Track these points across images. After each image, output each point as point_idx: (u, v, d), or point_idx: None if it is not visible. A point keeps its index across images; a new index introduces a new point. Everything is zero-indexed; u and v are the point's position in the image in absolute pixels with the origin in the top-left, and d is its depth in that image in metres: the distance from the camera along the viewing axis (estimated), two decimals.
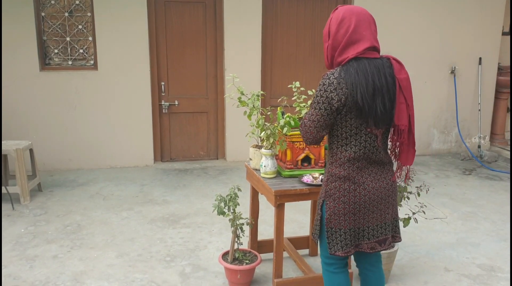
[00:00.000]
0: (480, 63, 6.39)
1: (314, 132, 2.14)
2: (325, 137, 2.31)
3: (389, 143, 2.21)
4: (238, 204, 2.94)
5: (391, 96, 2.05)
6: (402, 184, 2.97)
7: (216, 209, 2.89)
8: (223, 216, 2.90)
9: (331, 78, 2.03)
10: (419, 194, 3.03)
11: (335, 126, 2.11)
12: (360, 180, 2.11)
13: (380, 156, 2.14)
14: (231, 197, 2.91)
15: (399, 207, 3.00)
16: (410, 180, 2.39)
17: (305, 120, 2.17)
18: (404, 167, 2.26)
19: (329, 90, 2.03)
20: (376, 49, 2.08)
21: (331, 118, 2.08)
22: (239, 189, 2.95)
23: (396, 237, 2.31)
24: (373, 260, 2.36)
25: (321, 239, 2.27)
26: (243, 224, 3.00)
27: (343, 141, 2.11)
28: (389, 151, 2.23)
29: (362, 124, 2.06)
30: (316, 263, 3.32)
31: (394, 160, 2.27)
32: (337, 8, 2.14)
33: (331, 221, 2.17)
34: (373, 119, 2.04)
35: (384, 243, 2.22)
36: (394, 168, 2.27)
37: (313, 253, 3.44)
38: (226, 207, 2.92)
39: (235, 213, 2.96)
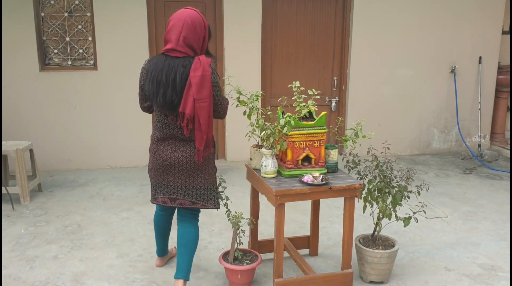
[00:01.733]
0: (480, 62, 6.39)
1: (139, 103, 2.76)
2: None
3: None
4: (228, 198, 3.05)
5: (177, 90, 2.50)
6: (403, 183, 2.97)
7: None
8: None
9: (145, 62, 2.65)
10: (419, 193, 3.03)
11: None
12: (159, 147, 2.68)
13: (174, 132, 2.64)
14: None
15: (399, 207, 3.02)
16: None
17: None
18: (199, 150, 2.62)
19: (141, 72, 2.65)
20: (179, 51, 2.50)
21: (146, 94, 2.65)
22: (223, 180, 3.11)
23: (197, 203, 2.73)
24: (180, 217, 2.83)
25: None
26: (243, 224, 3.01)
27: (155, 115, 2.69)
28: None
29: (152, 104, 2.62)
30: (316, 263, 3.32)
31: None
32: (181, 10, 2.56)
33: (149, 173, 2.81)
34: (156, 104, 2.58)
35: (175, 202, 2.72)
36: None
37: (313, 253, 3.43)
38: None
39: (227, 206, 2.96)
